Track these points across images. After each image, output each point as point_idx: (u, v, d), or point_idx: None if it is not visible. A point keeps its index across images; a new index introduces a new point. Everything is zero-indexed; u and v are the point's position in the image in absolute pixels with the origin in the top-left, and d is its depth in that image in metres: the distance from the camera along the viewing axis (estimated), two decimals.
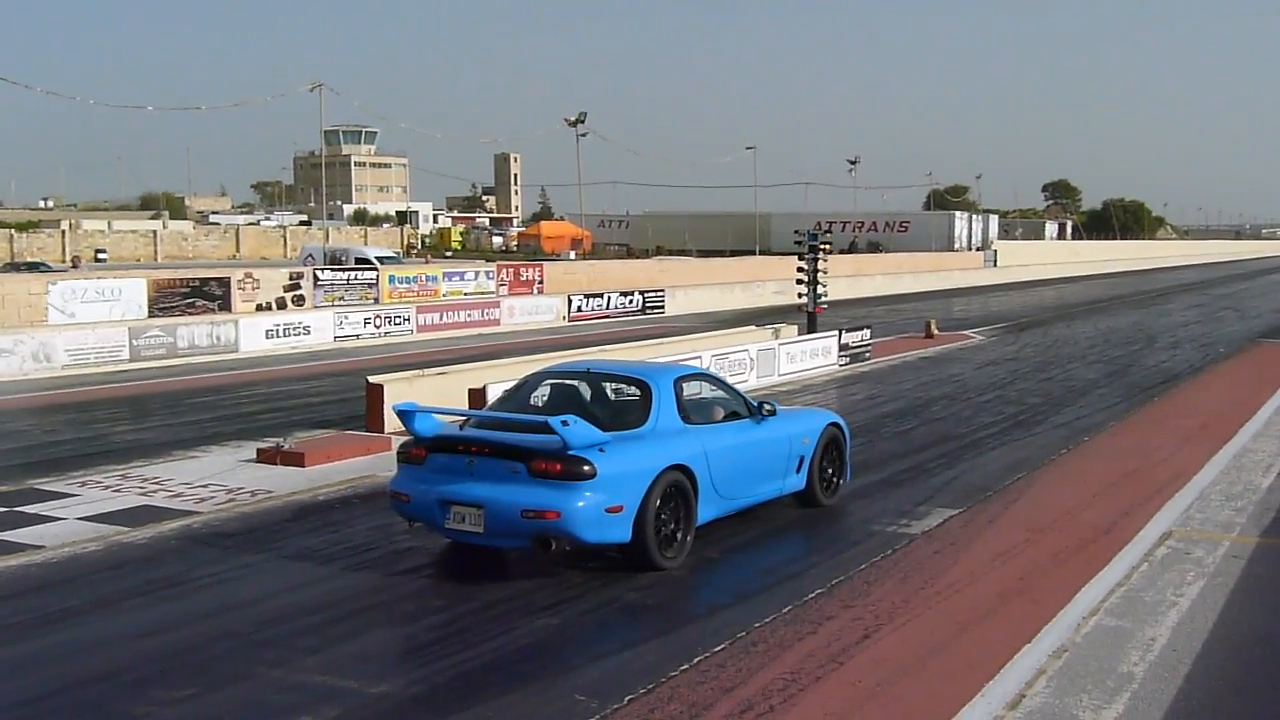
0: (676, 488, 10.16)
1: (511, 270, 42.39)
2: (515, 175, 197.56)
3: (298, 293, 33.21)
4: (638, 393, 10.80)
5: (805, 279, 27.60)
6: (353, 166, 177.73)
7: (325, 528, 11.75)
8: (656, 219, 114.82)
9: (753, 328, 27.04)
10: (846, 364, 25.63)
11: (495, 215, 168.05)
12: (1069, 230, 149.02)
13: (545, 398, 11.27)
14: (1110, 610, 9.09)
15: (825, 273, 28.15)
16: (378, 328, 32.89)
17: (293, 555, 10.82)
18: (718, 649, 8.14)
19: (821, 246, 27.87)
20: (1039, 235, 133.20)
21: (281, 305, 32.48)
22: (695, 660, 7.93)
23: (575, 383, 11.41)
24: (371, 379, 17.31)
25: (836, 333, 25.91)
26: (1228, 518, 12.12)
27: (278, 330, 30.06)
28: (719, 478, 10.72)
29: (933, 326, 33.01)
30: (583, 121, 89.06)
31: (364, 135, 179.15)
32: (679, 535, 10.24)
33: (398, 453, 10.59)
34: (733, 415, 11.41)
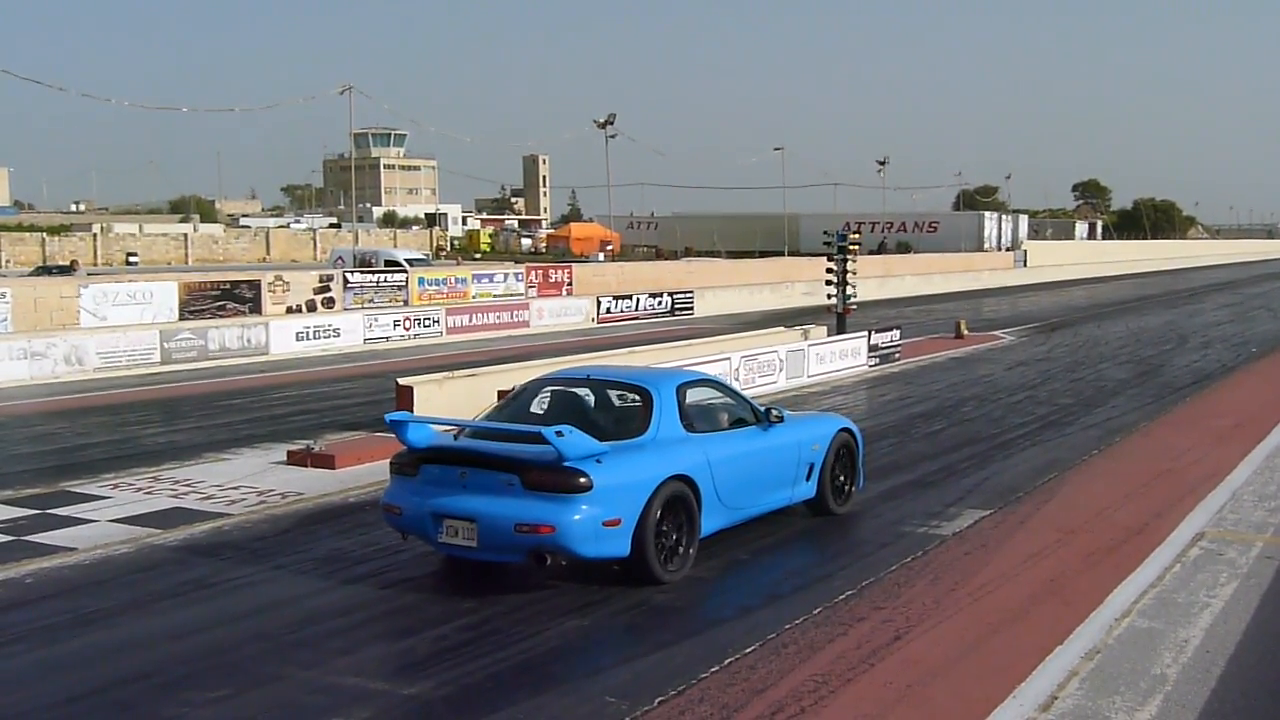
0: (678, 498, 9.81)
1: (540, 272, 42.44)
2: (544, 177, 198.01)
3: (327, 295, 33.36)
4: (639, 400, 10.45)
5: (834, 280, 27.52)
6: (382, 169, 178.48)
7: (356, 529, 11.79)
8: (685, 220, 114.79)
9: (782, 329, 26.97)
10: (876, 365, 25.55)
11: (524, 217, 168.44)
12: (1099, 230, 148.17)
13: (545, 405, 10.92)
14: (1143, 612, 9.02)
15: (854, 273, 28.05)
16: (407, 330, 32.99)
17: (324, 557, 10.86)
18: (748, 650, 8.12)
19: (850, 247, 27.78)
20: (1069, 235, 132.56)
21: (311, 308, 32.63)
22: (726, 662, 7.91)
23: (575, 390, 11.09)
24: (401, 381, 17.36)
25: (866, 333, 25.84)
26: (1261, 518, 12.02)
27: (308, 333, 30.19)
28: (723, 487, 10.38)
29: (963, 327, 32.87)
30: (612, 123, 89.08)
31: (393, 138, 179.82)
32: (681, 548, 9.88)
33: (390, 464, 10.26)
34: (739, 422, 11.12)
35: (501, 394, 16.38)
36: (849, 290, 27.62)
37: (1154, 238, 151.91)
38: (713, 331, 30.47)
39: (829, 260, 27.77)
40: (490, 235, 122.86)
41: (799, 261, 59.53)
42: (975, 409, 19.75)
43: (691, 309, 43.92)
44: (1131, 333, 35.72)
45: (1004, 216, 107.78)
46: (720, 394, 11.47)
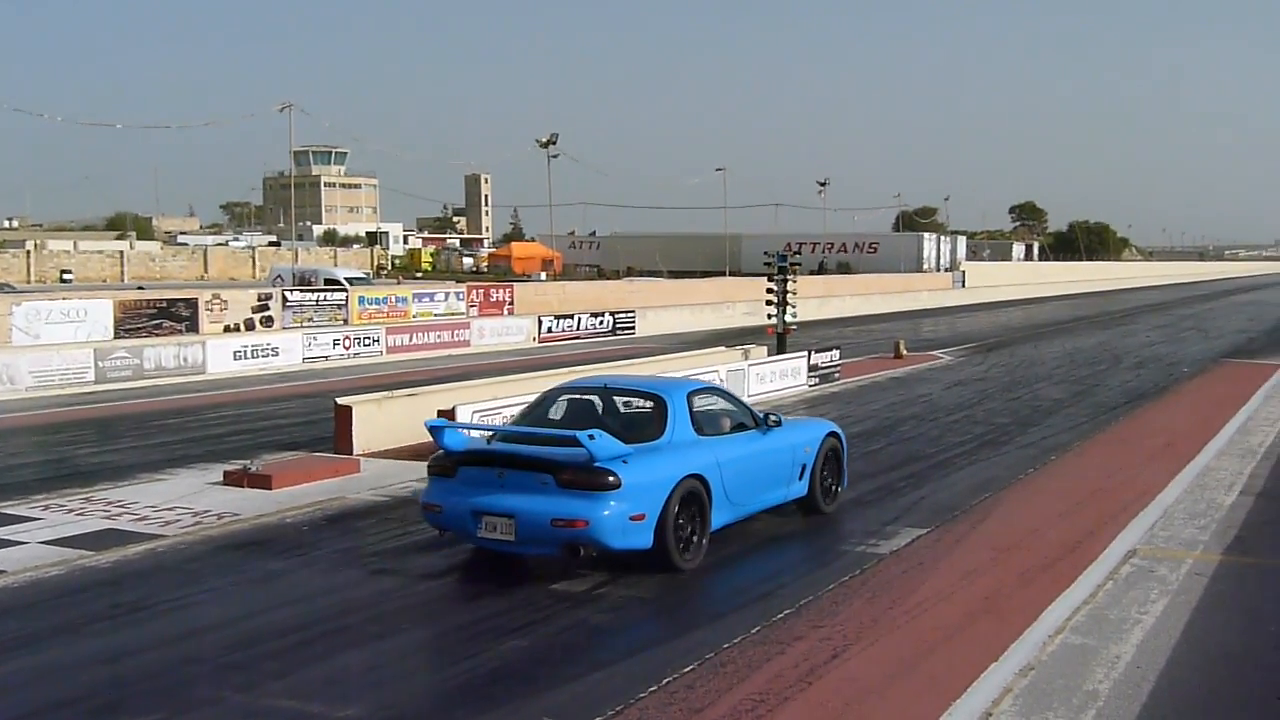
0: (693, 495, 10.70)
1: (482, 291, 42.33)
2: (486, 196, 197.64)
3: (266, 314, 33.09)
4: (654, 406, 11.34)
5: (775, 300, 27.68)
6: (322, 187, 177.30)
7: (292, 550, 11.68)
8: (627, 240, 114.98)
9: (723, 348, 27.09)
10: (816, 384, 25.70)
11: (466, 236, 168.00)
12: (1036, 252, 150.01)
13: (562, 412, 11.80)
14: (1076, 628, 9.13)
15: (794, 294, 28.24)
16: (347, 349, 32.77)
17: (259, 578, 10.75)
18: (687, 670, 8.13)
19: (790, 268, 27.97)
20: (1006, 256, 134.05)
21: (250, 326, 32.34)
22: (664, 681, 7.91)
23: (592, 398, 11.96)
24: (340, 400, 17.24)
25: (806, 353, 25.99)
26: (1191, 536, 12.20)
27: (246, 351, 29.90)
28: (730, 486, 11.27)
29: (902, 347, 33.14)
30: (554, 143, 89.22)
31: (334, 156, 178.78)
32: (695, 539, 10.78)
33: (429, 466, 11.04)
34: (739, 426, 12.01)
35: (441, 413, 16.34)
36: (789, 310, 27.79)
37: (1089, 259, 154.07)
38: (654, 351, 30.53)
39: (770, 280, 27.93)
40: (432, 254, 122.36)
41: (740, 281, 59.80)
42: (913, 428, 19.92)
43: (633, 328, 43.98)
44: (1067, 353, 36.18)
45: (943, 238, 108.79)
46: (723, 400, 12.40)
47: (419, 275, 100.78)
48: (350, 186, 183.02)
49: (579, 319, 41.82)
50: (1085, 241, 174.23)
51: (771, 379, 24.20)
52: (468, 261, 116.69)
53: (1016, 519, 13.09)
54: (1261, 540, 12.10)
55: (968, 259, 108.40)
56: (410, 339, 34.97)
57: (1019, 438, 18.92)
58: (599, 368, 23.09)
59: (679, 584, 10.49)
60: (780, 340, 27.51)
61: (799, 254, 30.63)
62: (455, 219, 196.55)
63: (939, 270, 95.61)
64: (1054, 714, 7.42)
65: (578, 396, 12.08)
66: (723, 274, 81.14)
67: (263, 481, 14.42)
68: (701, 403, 11.71)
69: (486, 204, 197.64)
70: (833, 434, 13.36)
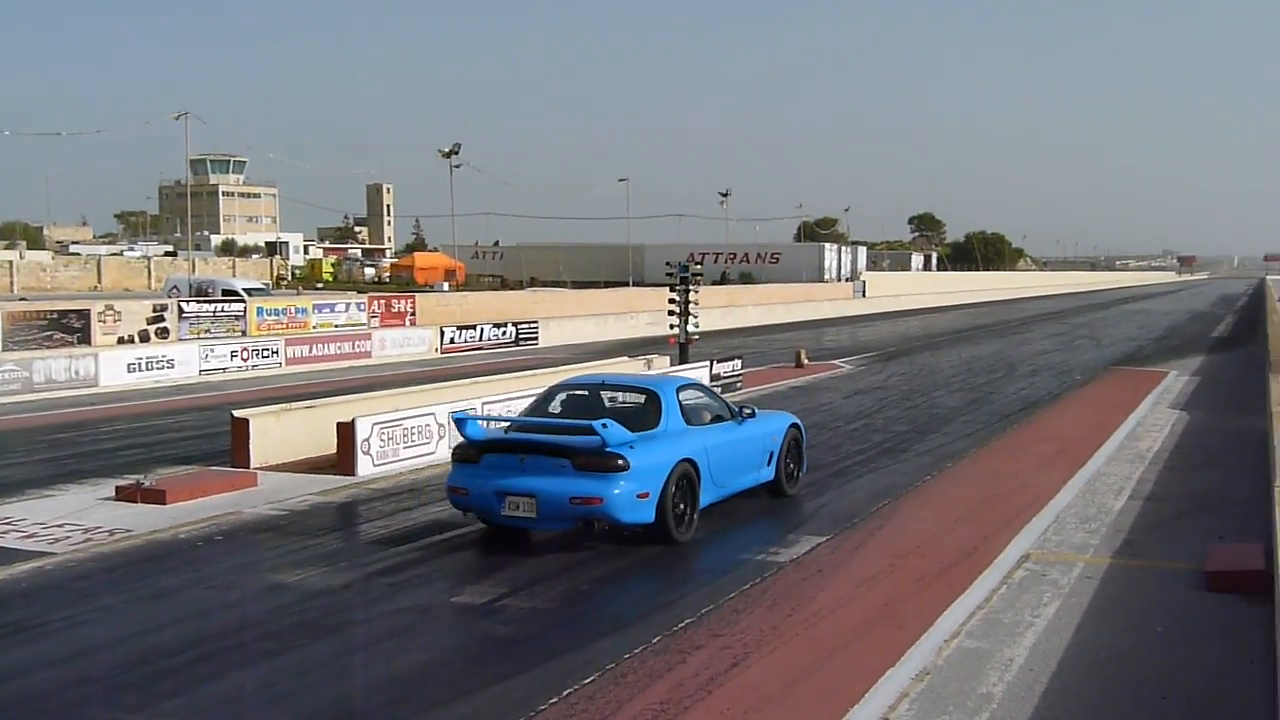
0: (686, 477, 12.13)
1: (383, 302, 41.93)
2: (388, 206, 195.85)
3: (161, 325, 32.45)
4: (648, 399, 12.79)
5: (677, 310, 27.82)
6: (220, 196, 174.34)
7: (187, 567, 11.48)
8: (530, 250, 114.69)
9: (625, 358, 27.12)
10: (721, 393, 25.78)
11: (368, 246, 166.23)
12: (934, 262, 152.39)
13: (562, 406, 13.19)
14: (970, 632, 9.30)
15: (697, 303, 28.40)
16: (245, 361, 32.24)
17: (152, 596, 10.56)
18: (587, 681, 8.13)
19: (692, 278, 28.12)
20: (905, 266, 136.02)
21: (144, 338, 31.69)
22: (565, 693, 7.90)
23: (592, 393, 13.39)
24: (237, 413, 16.96)
25: (708, 363, 26.12)
26: (1082, 540, 12.49)
27: (140, 364, 29.29)
28: (715, 469, 12.71)
29: (803, 356, 33.45)
30: (457, 152, 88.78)
31: (232, 164, 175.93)
32: (688, 516, 12.18)
33: (453, 453, 12.43)
34: (718, 418, 13.42)
35: (341, 426, 16.19)
36: (691, 320, 27.93)
37: (985, 269, 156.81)
38: (557, 361, 30.47)
39: (672, 291, 28.06)
40: (333, 264, 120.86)
41: (643, 292, 59.90)
42: (814, 437, 20.01)
43: (536, 339, 43.87)
44: (964, 361, 36.79)
45: (844, 248, 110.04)
46: (704, 395, 13.87)
47: (320, 286, 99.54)
48: (249, 196, 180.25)
49: (482, 329, 41.61)
50: (982, 252, 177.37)
51: None
52: (369, 272, 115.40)
53: (914, 526, 13.29)
54: (1149, 543, 12.40)
55: (868, 269, 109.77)
56: (310, 350, 34.54)
57: (917, 445, 19.21)
58: (503, 379, 23.02)
59: (581, 596, 10.50)
60: (683, 350, 27.65)
61: (701, 264, 30.83)
62: (357, 229, 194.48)
63: (840, 280, 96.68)
64: (949, 718, 7.54)
65: (576, 392, 13.49)
66: (626, 284, 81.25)
67: (156, 496, 14.14)
68: (687, 397, 13.14)
69: (389, 214, 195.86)
70: (794, 425, 14.92)
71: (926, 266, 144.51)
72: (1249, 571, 10.41)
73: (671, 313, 27.92)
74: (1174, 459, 17.69)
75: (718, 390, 19.35)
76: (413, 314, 42.06)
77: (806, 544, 12.25)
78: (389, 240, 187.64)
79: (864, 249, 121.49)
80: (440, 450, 17.39)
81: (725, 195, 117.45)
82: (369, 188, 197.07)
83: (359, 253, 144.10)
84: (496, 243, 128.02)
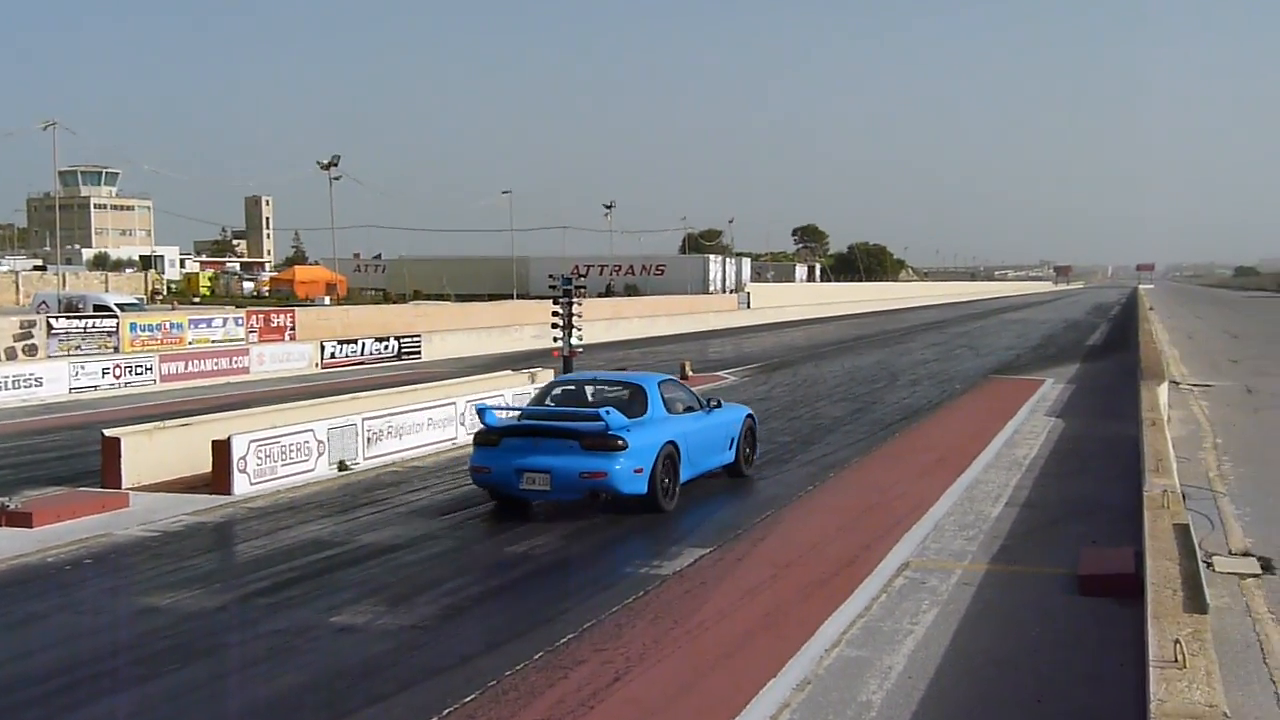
0: (670, 456, 14.58)
1: (262, 316, 41.28)
2: (267, 219, 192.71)
3: (29, 342, 31.54)
4: (635, 391, 15.21)
5: (560, 323, 27.76)
6: (92, 209, 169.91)
7: (55, 591, 11.16)
8: (413, 263, 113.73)
9: (509, 372, 27.00)
10: None
11: (246, 260, 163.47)
12: (818, 273, 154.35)
13: (558, 398, 15.60)
14: (851, 641, 9.42)
15: (580, 316, 28.37)
16: (118, 378, 31.45)
17: (19, 621, 10.25)
18: (468, 699, 8.06)
19: (576, 290, 28.08)
20: (790, 278, 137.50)
21: (11, 356, 30.77)
22: (445, 712, 7.84)
23: (586, 386, 15.87)
24: (108, 432, 16.54)
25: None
26: (960, 547, 12.73)
27: (7, 382, 28.40)
28: (691, 450, 15.20)
29: (687, 368, 33.59)
30: (336, 164, 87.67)
31: (104, 176, 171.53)
32: (671, 489, 14.64)
33: (475, 438, 14.83)
34: (689, 408, 15.83)
35: (216, 444, 15.88)
36: (575, 333, 27.89)
37: (868, 280, 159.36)
38: (440, 375, 30.25)
39: (555, 304, 28.01)
40: (210, 278, 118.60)
41: (528, 304, 59.78)
42: None
43: (419, 353, 43.48)
44: (847, 371, 37.29)
45: (728, 260, 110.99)
46: (678, 388, 16.30)
47: (196, 300, 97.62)
48: (122, 208, 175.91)
49: (363, 344, 41.13)
50: (865, 263, 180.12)
51: None
52: (248, 286, 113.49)
53: (796, 535, 13.44)
54: (1025, 549, 12.68)
55: (753, 280, 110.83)
56: (186, 367, 33.81)
57: (800, 455, 19.42)
58: (385, 394, 22.79)
59: (461, 612, 10.43)
60: (566, 363, 27.57)
61: (585, 276, 30.81)
62: (235, 242, 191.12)
63: (725, 292, 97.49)
64: None
65: (571, 386, 16.01)
66: (510, 297, 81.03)
67: (23, 519, 13.71)
68: (666, 389, 15.64)
69: (268, 226, 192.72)
70: (749, 415, 17.49)
71: (810, 278, 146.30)
72: (1119, 575, 10.69)
73: (555, 325, 27.85)
74: (1050, 466, 18.13)
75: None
76: (292, 329, 41.47)
77: (690, 556, 12.31)
78: (268, 253, 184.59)
79: (748, 260, 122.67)
80: (320, 467, 17.16)
81: (609, 207, 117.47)
82: (248, 200, 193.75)
83: (237, 266, 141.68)
84: (379, 256, 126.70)
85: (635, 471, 13.99)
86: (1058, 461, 18.53)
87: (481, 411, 14.97)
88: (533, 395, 17.07)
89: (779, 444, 20.66)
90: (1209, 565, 11.61)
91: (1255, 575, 11.50)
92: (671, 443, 14.67)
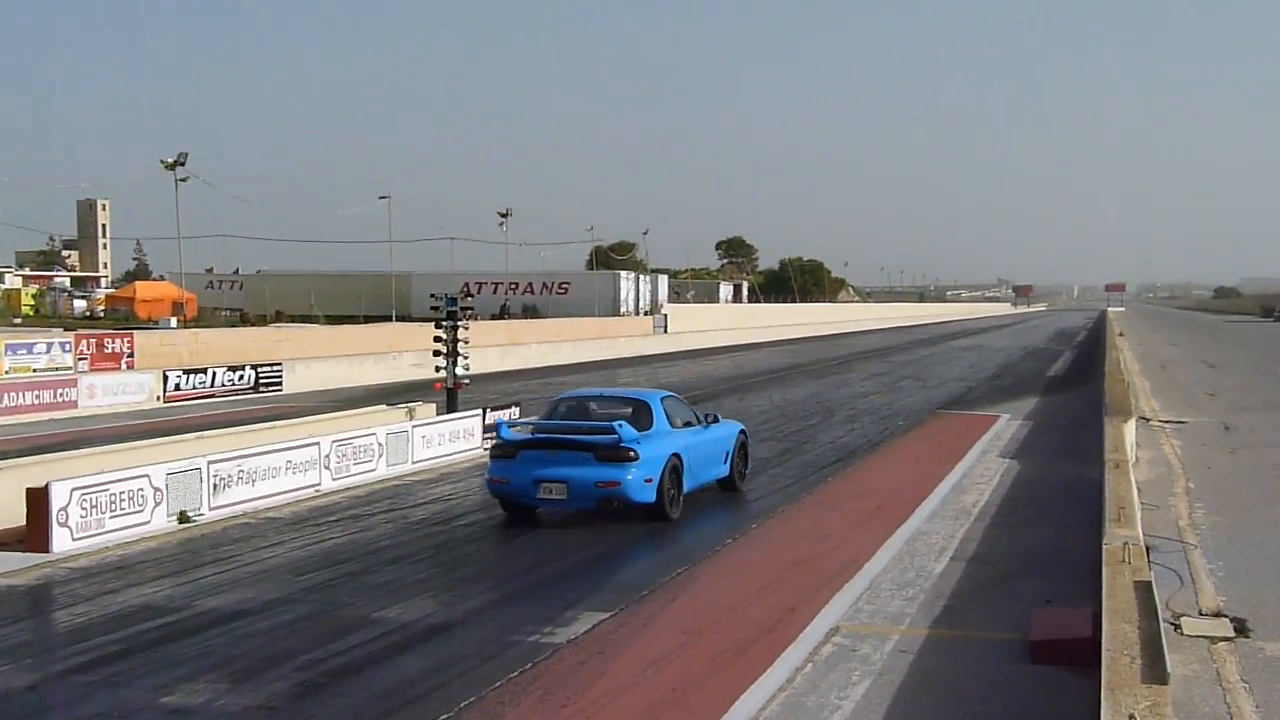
0: (675, 468, 17.70)
1: (94, 341, 40.67)
2: (104, 226, 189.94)
3: None
4: (640, 407, 18.37)
5: (444, 349, 27.65)
6: None
7: None
8: (275, 279, 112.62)
9: (384, 407, 26.83)
10: None
11: (79, 274, 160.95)
12: (745, 292, 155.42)
13: (571, 413, 18.72)
14: (770, 719, 9.43)
15: (467, 342, 28.29)
16: None
17: None
18: None
19: (463, 311, 28.00)
20: (713, 298, 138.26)
21: None
22: None
23: (591, 402, 19.36)
24: None
25: (481, 411, 26.03)
26: (898, 608, 12.85)
27: None
28: (692, 463, 18.31)
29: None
30: (183, 163, 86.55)
31: None
32: (677, 498, 17.78)
33: (492, 450, 18.01)
34: (688, 423, 18.88)
35: (32, 492, 15.58)
36: (461, 361, 27.80)
37: (803, 300, 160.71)
38: (303, 411, 29.97)
39: (438, 327, 27.90)
40: (34, 295, 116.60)
41: (409, 328, 59.43)
42: None
43: (281, 384, 43.05)
44: (776, 406, 37.53)
45: (642, 277, 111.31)
46: (679, 405, 19.49)
47: (17, 321, 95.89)
48: None
49: (214, 374, 40.61)
50: (799, 281, 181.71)
51: (440, 442, 24.08)
52: (80, 304, 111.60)
53: (712, 596, 13.46)
54: (971, 610, 12.83)
55: (671, 301, 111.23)
56: (0, 400, 33.14)
57: (719, 503, 19.51)
58: (237, 433, 22.54)
59: (315, 689, 10.30)
60: (450, 397, 27.46)
61: (476, 295, 30.76)
62: (65, 253, 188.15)
63: (638, 314, 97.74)
64: None
65: (578, 402, 19.38)
66: (389, 319, 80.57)
67: None
68: (669, 405, 18.79)
69: (104, 235, 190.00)
70: (742, 431, 20.78)
71: (737, 298, 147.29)
72: (1075, 639, 10.83)
73: (437, 353, 27.73)
74: (1003, 514, 18.38)
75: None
76: (131, 355, 40.91)
77: (587, 621, 12.29)
78: (105, 267, 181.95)
79: (665, 278, 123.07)
80: (156, 519, 16.89)
81: (505, 216, 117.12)
82: (80, 205, 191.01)
83: (67, 281, 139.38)
84: (236, 271, 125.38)
85: (645, 481, 17.07)
86: (1011, 509, 18.80)
87: (498, 426, 19.19)
88: (545, 409, 20.13)
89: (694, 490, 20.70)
90: (1176, 627, 11.84)
91: (1227, 638, 11.73)
92: (676, 455, 17.77)
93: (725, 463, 19.85)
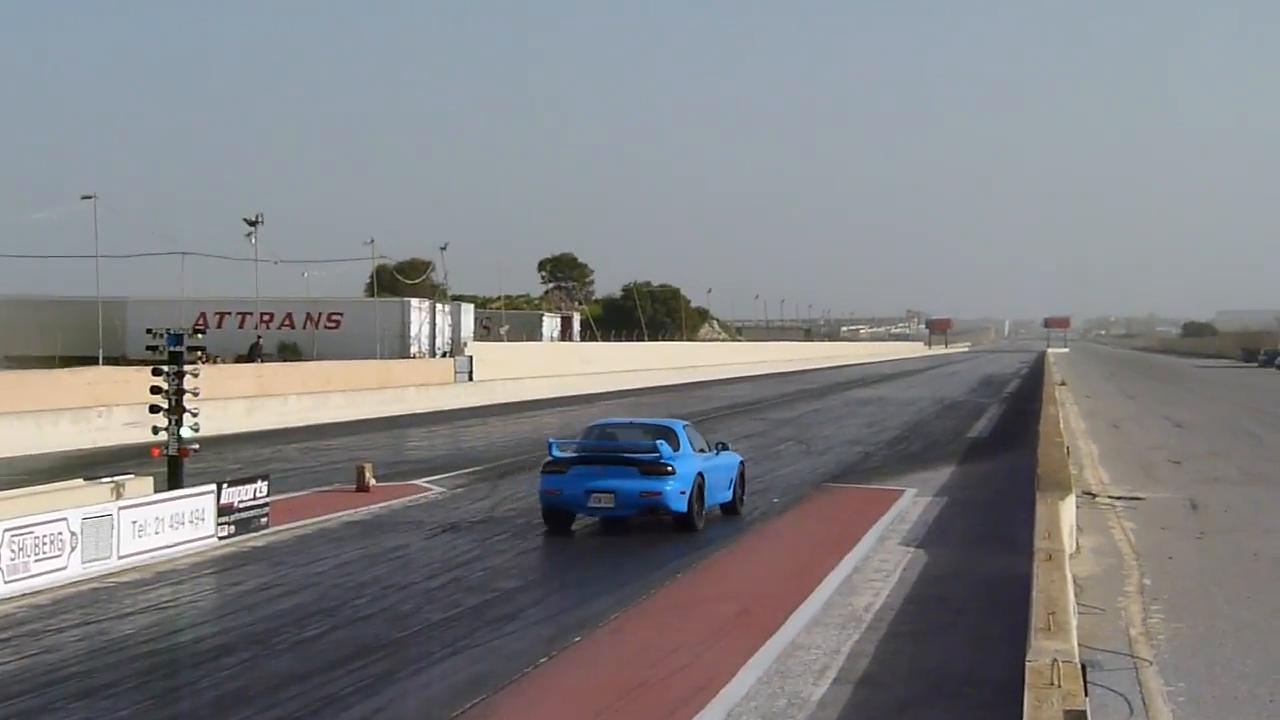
0: (699, 485, 26.47)
1: None
2: None
3: None
4: (666, 433, 27.25)
5: (166, 404, 27.13)
6: None
7: None
8: None
9: (80, 482, 26.30)
10: (230, 535, 25.36)
11: None
12: (577, 327, 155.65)
13: (610, 436, 28.47)
14: None
15: (198, 393, 27.80)
16: None
17: None
18: None
19: (193, 352, 27.53)
20: (535, 334, 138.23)
21: None
22: None
23: (625, 429, 29.37)
24: None
25: (215, 488, 25.62)
26: None
27: None
28: (710, 483, 27.18)
29: (368, 474, 33.34)
30: None
31: None
32: (701, 511, 26.67)
33: (544, 467, 26.93)
34: (701, 450, 27.80)
35: None
36: (189, 420, 27.29)
37: (652, 337, 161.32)
38: None
39: (156, 374, 27.38)
40: None
41: (124, 373, 58.37)
42: (374, 601, 20.05)
43: None
44: None
45: (440, 306, 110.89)
46: (695, 433, 28.58)
47: None
48: None
49: None
50: (648, 311, 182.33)
51: (157, 529, 23.57)
52: None
53: None
54: None
55: (478, 338, 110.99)
56: None
57: (532, 610, 19.47)
58: None
59: None
60: (173, 465, 26.92)
61: (205, 332, 30.25)
62: None
63: (435, 355, 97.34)
64: None
65: (612, 428, 29.58)
66: (95, 361, 79.14)
67: None
68: (689, 433, 27.89)
69: None
70: (742, 461, 30.11)
71: (565, 334, 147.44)
72: None
73: (156, 408, 27.20)
74: (902, 621, 18.60)
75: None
76: None
77: None
78: None
79: (472, 308, 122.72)
80: None
81: (254, 224, 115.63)
82: None
83: None
84: None
85: (680, 493, 25.71)
86: (915, 615, 19.02)
87: (550, 445, 27.53)
88: (583, 433, 29.59)
89: (500, 591, 20.73)
90: None
91: None
92: (700, 474, 26.54)
93: (729, 489, 28.72)
